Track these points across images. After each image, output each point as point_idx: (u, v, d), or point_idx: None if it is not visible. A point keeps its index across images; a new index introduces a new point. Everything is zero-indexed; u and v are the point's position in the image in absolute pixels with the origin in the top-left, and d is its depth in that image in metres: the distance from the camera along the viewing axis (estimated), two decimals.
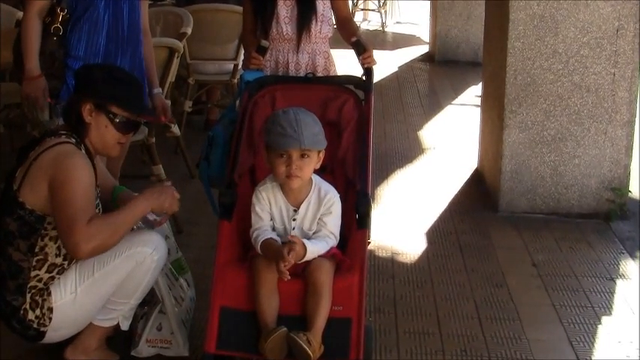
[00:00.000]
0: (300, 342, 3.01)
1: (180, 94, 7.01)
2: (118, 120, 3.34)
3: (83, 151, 3.29)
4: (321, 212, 3.29)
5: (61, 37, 4.05)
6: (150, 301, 3.62)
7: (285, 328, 3.07)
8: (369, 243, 3.42)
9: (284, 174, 3.21)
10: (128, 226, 3.22)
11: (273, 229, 3.31)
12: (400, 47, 11.87)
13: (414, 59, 11.01)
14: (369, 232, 3.41)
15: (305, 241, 3.17)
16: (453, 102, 8.70)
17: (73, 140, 3.28)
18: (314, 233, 3.29)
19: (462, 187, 6.08)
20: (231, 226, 3.37)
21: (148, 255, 3.32)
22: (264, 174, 3.45)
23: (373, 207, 4.33)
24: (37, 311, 3.26)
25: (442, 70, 10.28)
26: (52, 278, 3.29)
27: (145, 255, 3.31)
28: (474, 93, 8.75)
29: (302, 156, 3.20)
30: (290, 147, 3.17)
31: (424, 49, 11.58)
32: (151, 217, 3.48)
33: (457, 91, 9.13)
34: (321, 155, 3.29)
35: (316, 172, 3.37)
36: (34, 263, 3.25)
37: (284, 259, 3.06)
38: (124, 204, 3.41)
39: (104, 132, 3.35)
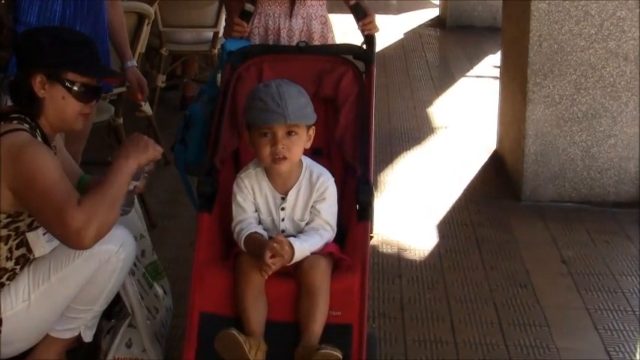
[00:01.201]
0: (335, 353, 2.97)
1: (152, 67, 7.00)
2: (76, 88, 3.29)
3: (39, 137, 3.24)
4: (313, 199, 3.26)
5: (10, 0, 4.02)
6: (118, 314, 3.58)
7: (234, 330, 3.03)
8: (372, 237, 3.41)
9: (269, 156, 3.18)
10: (122, 193, 3.16)
11: (260, 221, 3.29)
12: (406, 11, 11.89)
13: (422, 25, 11.05)
14: (372, 224, 3.39)
15: (292, 239, 3.14)
16: (467, 74, 8.75)
17: (27, 126, 3.22)
18: (307, 224, 3.27)
19: (479, 172, 6.09)
20: (211, 219, 3.35)
21: (113, 253, 3.28)
22: (249, 158, 3.42)
23: (376, 195, 4.32)
24: None
25: (455, 36, 10.30)
26: (2, 285, 3.25)
27: (110, 253, 3.27)
28: (491, 63, 8.80)
29: (289, 133, 3.17)
30: (274, 122, 3.14)
31: (434, 12, 11.61)
32: (130, 186, 3.32)
33: (472, 61, 9.17)
34: (312, 133, 3.27)
35: (310, 155, 3.36)
36: None
37: (272, 250, 3.03)
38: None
39: (62, 105, 3.28)
